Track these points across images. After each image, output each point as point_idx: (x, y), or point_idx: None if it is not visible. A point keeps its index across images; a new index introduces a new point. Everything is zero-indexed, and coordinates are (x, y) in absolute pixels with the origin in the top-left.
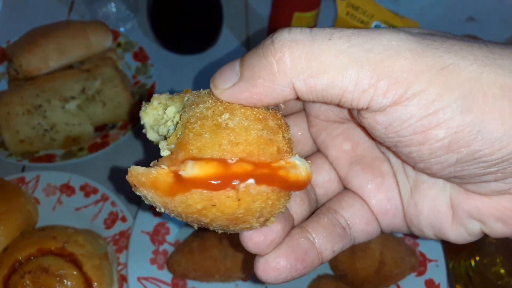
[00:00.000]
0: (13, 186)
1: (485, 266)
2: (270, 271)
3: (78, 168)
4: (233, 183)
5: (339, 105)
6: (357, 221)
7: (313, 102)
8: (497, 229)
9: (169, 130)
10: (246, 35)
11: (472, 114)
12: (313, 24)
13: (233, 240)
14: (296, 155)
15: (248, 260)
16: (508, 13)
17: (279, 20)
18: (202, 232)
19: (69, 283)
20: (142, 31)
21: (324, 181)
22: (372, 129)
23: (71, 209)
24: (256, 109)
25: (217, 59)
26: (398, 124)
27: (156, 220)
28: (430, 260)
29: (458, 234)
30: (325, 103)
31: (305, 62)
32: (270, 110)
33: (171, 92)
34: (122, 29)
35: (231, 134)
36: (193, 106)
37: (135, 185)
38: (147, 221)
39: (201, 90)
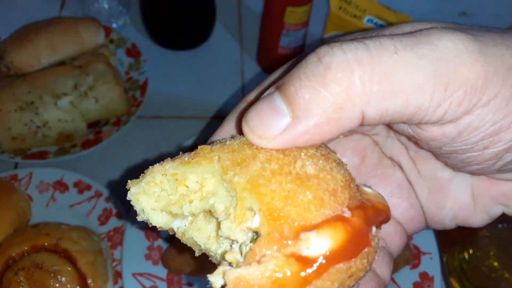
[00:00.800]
0: (5, 183)
1: (479, 259)
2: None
3: (71, 165)
4: (371, 236)
5: (405, 123)
6: (391, 239)
7: (376, 125)
8: None
9: (218, 208)
10: (239, 30)
11: None
12: (306, 19)
13: None
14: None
15: None
16: (499, 7)
17: (272, 15)
18: None
19: (63, 279)
20: (135, 27)
21: None
22: (433, 140)
23: (65, 206)
24: (324, 156)
25: (210, 55)
26: (469, 132)
27: None
28: (424, 253)
29: (482, 219)
30: (389, 123)
31: (377, 85)
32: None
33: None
34: (114, 25)
35: (321, 182)
36: (239, 167)
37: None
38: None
39: (227, 140)
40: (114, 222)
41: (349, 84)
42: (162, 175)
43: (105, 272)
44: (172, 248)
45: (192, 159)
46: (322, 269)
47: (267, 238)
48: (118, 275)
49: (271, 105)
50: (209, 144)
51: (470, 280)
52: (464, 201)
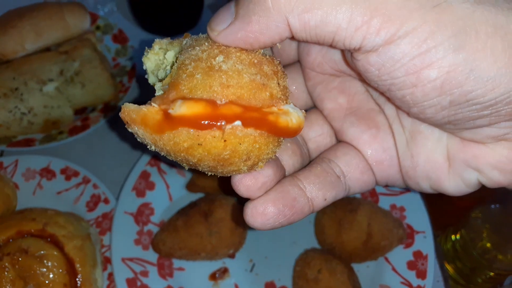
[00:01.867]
0: None
1: (472, 240)
2: (257, 217)
3: (58, 152)
4: (219, 124)
5: (332, 45)
6: (352, 170)
7: (307, 42)
8: (494, 177)
9: (166, 73)
10: None
11: (465, 52)
12: None
13: (216, 216)
14: (291, 103)
15: (234, 235)
16: None
17: None
18: (187, 210)
19: (49, 263)
20: (121, 13)
21: (317, 135)
22: (366, 72)
23: (52, 193)
24: (252, 54)
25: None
26: (391, 64)
27: (140, 201)
28: (418, 232)
29: (455, 185)
30: (319, 43)
31: None
32: (267, 56)
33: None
34: (101, 12)
35: (223, 76)
36: (189, 49)
37: (127, 122)
38: (130, 202)
39: (200, 34)
40: (102, 208)
41: None
42: (159, 48)
43: (93, 257)
44: (163, 232)
45: (176, 41)
46: (173, 126)
47: (161, 95)
48: (107, 261)
49: (227, 7)
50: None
51: (464, 262)
52: (438, 161)
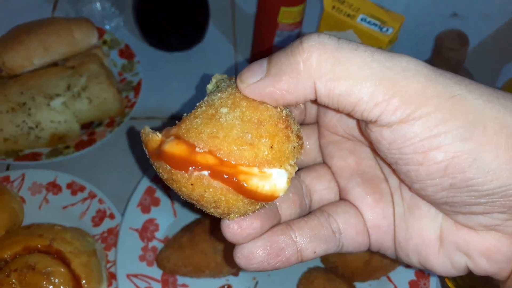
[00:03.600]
0: None
1: None
2: (243, 258)
3: (65, 166)
4: (189, 168)
5: (350, 114)
6: (349, 229)
7: (328, 107)
8: (481, 265)
9: None
10: (233, 31)
11: (471, 143)
12: (300, 19)
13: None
14: (283, 170)
15: None
16: (490, 8)
17: (265, 15)
18: (192, 226)
19: (56, 280)
20: (128, 28)
21: (323, 188)
22: (377, 143)
23: (58, 208)
24: (260, 112)
25: (204, 56)
26: (402, 141)
27: (145, 217)
28: None
29: (443, 265)
30: (339, 110)
31: (330, 66)
32: (283, 116)
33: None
34: (107, 27)
35: (216, 127)
36: (215, 92)
37: (142, 141)
38: (135, 218)
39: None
40: (108, 223)
41: (308, 58)
42: (216, 81)
43: (99, 273)
44: (167, 248)
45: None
46: (159, 157)
47: (170, 128)
48: (112, 276)
49: (260, 62)
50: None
51: (465, 279)
52: (430, 238)
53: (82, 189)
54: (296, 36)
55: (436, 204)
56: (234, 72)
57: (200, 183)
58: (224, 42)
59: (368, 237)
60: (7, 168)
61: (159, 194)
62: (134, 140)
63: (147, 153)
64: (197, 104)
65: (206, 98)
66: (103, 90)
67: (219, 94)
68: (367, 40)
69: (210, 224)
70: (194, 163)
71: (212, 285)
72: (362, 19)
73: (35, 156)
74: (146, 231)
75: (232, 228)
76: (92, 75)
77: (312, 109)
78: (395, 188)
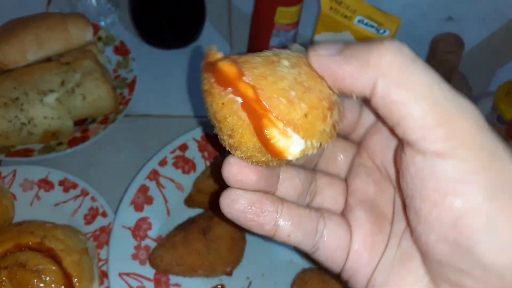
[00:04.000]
0: None
1: None
2: (227, 199)
3: (57, 163)
4: (228, 88)
5: (393, 127)
6: (332, 238)
7: (375, 110)
8: None
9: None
10: (229, 30)
11: (493, 205)
12: (297, 19)
13: (215, 233)
14: (304, 141)
15: (232, 252)
16: (486, 12)
17: (262, 15)
18: (185, 225)
19: (47, 278)
20: (123, 25)
21: (329, 196)
22: (405, 169)
23: (50, 205)
24: (314, 81)
25: (200, 54)
26: (429, 173)
27: (138, 215)
28: None
29: None
30: (384, 116)
31: (398, 70)
32: (332, 99)
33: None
34: (102, 23)
35: (269, 71)
36: (286, 50)
37: (204, 53)
38: (128, 216)
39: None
40: (100, 221)
41: (382, 55)
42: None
43: (90, 272)
44: (160, 247)
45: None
46: (210, 68)
47: (237, 56)
48: (104, 275)
49: (336, 43)
50: None
51: None
52: None
53: (74, 186)
54: (292, 36)
55: (430, 258)
56: None
57: (230, 106)
58: (220, 40)
59: (345, 259)
60: None
61: (152, 192)
62: (128, 137)
63: (202, 64)
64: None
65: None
66: (97, 87)
67: (289, 51)
68: (364, 42)
69: (204, 223)
70: (235, 86)
71: (206, 284)
72: (359, 21)
73: (27, 152)
74: (139, 229)
75: (232, 166)
76: (86, 71)
77: (362, 128)
78: (397, 233)
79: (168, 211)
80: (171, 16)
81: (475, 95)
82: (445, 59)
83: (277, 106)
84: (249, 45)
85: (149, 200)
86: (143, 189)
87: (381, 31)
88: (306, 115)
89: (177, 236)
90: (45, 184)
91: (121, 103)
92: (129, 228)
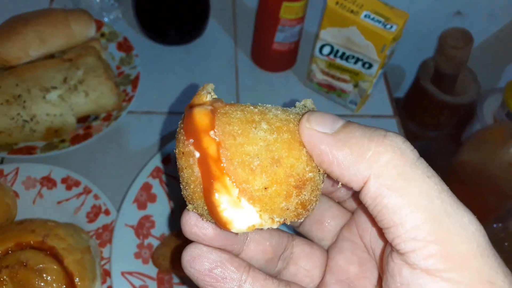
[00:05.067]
0: None
1: None
2: (189, 255)
3: (60, 160)
4: (190, 140)
5: (383, 231)
6: (307, 276)
7: (363, 207)
8: None
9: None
10: (233, 25)
11: None
12: (302, 14)
13: None
14: (258, 215)
15: None
16: (494, 7)
17: (267, 10)
18: None
19: (49, 278)
20: (127, 21)
21: (305, 268)
22: (391, 275)
23: (52, 203)
24: (289, 155)
25: (204, 51)
26: None
27: (141, 213)
28: None
29: None
30: (373, 217)
31: (395, 174)
32: (305, 176)
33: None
34: (106, 19)
35: (242, 131)
36: (286, 108)
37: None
38: (131, 214)
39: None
40: (103, 219)
41: (381, 152)
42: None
43: (93, 270)
44: (163, 246)
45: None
46: (186, 115)
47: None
48: (106, 274)
49: (336, 119)
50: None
51: None
52: None
53: (77, 184)
54: (298, 32)
55: None
56: (234, 67)
57: (187, 158)
58: (224, 36)
59: None
60: (1, 162)
61: (155, 190)
62: (131, 134)
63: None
64: (263, 104)
65: (280, 107)
66: (100, 84)
67: (281, 111)
68: (371, 37)
69: None
70: (198, 138)
71: None
72: (365, 16)
73: (29, 150)
74: (142, 228)
75: (189, 217)
76: (89, 68)
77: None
78: None
79: (171, 209)
80: (174, 12)
81: (483, 91)
82: (453, 55)
83: (236, 172)
84: (253, 41)
85: (152, 198)
86: (146, 187)
87: (388, 26)
88: (266, 188)
89: (181, 234)
90: (48, 181)
91: (124, 100)
92: (132, 226)
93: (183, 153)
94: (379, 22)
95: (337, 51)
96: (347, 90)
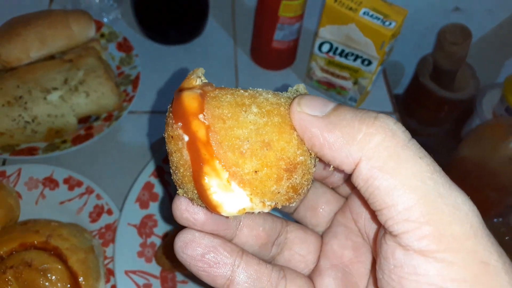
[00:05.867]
0: None
1: None
2: (182, 241)
3: (61, 161)
4: (179, 123)
5: (374, 213)
6: (298, 261)
7: (357, 190)
8: None
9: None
10: (233, 24)
11: None
12: (301, 12)
13: None
14: (249, 198)
15: None
16: (493, 3)
17: (266, 8)
18: None
19: (53, 277)
20: (126, 21)
21: (299, 253)
22: (384, 258)
23: (55, 203)
24: (280, 138)
25: (203, 49)
26: (408, 271)
27: (143, 212)
28: None
29: None
30: (365, 199)
31: (386, 155)
32: (296, 160)
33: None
34: (105, 20)
35: (232, 114)
36: (278, 92)
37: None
38: (133, 214)
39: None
40: (105, 219)
41: (371, 134)
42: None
43: (97, 270)
44: (166, 245)
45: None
46: (175, 99)
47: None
48: (110, 273)
49: (326, 102)
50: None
51: None
52: None
53: (79, 184)
54: (297, 30)
55: None
56: (233, 65)
57: (176, 141)
58: (224, 35)
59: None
60: (3, 163)
61: (157, 189)
62: (132, 134)
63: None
64: (254, 88)
65: (271, 91)
66: (101, 84)
67: (272, 95)
68: (370, 34)
69: None
70: (187, 122)
71: None
72: (364, 13)
73: (31, 151)
74: (144, 227)
75: (181, 202)
76: (89, 68)
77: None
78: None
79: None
80: (174, 12)
81: (483, 86)
82: (452, 50)
83: (225, 155)
84: (252, 40)
85: (155, 197)
86: (148, 186)
87: (387, 23)
88: (256, 172)
89: None
90: (50, 182)
91: (125, 100)
92: (134, 226)
93: (172, 136)
94: (378, 19)
95: (337, 48)
96: (347, 87)
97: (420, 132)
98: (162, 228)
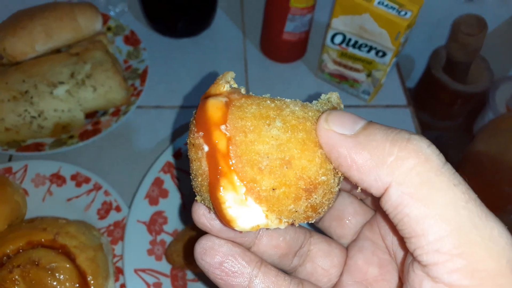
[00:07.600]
0: None
1: None
2: (202, 247)
3: (69, 157)
4: (200, 132)
5: (403, 239)
6: (321, 275)
7: (385, 214)
8: None
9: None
10: (242, 16)
11: None
12: (313, 3)
13: None
14: (264, 215)
15: None
16: None
17: (276, 0)
18: None
19: (61, 276)
20: (133, 14)
21: (322, 266)
22: (411, 287)
23: (62, 200)
24: (302, 156)
25: (212, 42)
26: None
27: (153, 209)
28: None
29: None
30: (394, 225)
31: (418, 181)
32: (317, 179)
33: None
34: (112, 13)
35: (254, 127)
36: (307, 103)
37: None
38: (143, 210)
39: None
40: (114, 216)
41: (403, 158)
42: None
43: (105, 268)
44: (176, 242)
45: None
46: (200, 105)
47: (237, 90)
48: (119, 271)
49: (356, 120)
50: None
51: None
52: None
53: (87, 180)
54: (308, 21)
55: None
56: (243, 58)
57: (197, 150)
58: (232, 27)
59: None
60: (9, 159)
61: (167, 185)
62: (141, 129)
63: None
64: (282, 98)
65: (299, 101)
66: (108, 78)
67: (299, 107)
68: (385, 24)
69: None
70: (208, 131)
71: None
72: (379, 2)
73: (38, 147)
74: (154, 224)
75: (198, 207)
76: (96, 62)
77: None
78: None
79: (184, 204)
80: (181, 4)
81: (496, 79)
82: (467, 42)
83: (243, 169)
84: (262, 32)
85: (164, 194)
86: (158, 182)
87: (403, 12)
88: (274, 189)
89: (194, 230)
90: (57, 178)
91: (133, 94)
92: (144, 223)
93: (193, 144)
94: (393, 8)
95: (350, 39)
96: (360, 79)
97: (432, 126)
98: (172, 225)
